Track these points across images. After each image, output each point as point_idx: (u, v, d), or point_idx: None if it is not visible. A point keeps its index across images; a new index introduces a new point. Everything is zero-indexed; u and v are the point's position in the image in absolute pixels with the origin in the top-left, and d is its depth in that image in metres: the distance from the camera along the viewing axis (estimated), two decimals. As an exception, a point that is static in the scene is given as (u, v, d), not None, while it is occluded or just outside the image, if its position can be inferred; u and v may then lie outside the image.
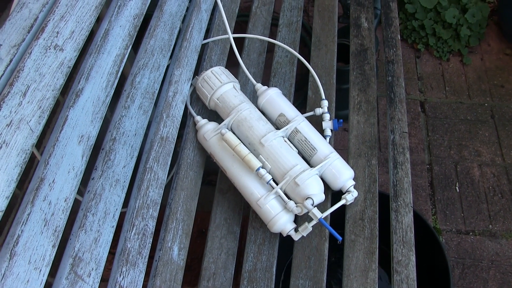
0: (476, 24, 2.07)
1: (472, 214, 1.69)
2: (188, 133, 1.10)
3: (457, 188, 1.75)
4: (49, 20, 0.78)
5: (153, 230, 0.92)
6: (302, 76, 1.72)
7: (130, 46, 0.93)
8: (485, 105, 1.97)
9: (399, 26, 1.37)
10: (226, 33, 1.23)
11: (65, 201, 0.74)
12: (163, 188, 0.97)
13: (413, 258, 0.98)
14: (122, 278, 0.83)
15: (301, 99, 1.76)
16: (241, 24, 1.61)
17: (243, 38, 1.33)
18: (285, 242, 1.04)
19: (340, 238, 0.96)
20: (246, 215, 1.07)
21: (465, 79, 2.05)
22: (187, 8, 1.19)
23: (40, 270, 0.69)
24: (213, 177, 1.58)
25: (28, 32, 0.76)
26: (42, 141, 1.22)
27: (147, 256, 0.89)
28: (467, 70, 2.08)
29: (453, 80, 2.05)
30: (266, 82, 1.22)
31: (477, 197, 1.72)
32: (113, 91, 0.87)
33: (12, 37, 0.74)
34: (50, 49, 0.76)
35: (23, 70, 0.72)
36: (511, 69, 2.09)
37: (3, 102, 0.68)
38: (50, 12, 0.79)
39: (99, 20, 0.92)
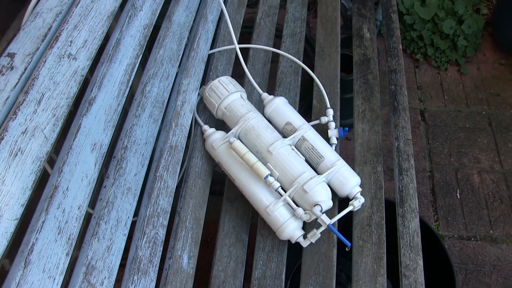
0: (472, 35, 2.10)
1: (473, 220, 1.70)
2: (195, 142, 1.11)
3: (458, 194, 1.76)
4: (63, 29, 0.79)
5: (164, 239, 0.92)
6: (305, 86, 1.73)
7: (141, 56, 0.94)
8: (483, 113, 2.00)
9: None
10: (231, 43, 1.24)
11: (78, 208, 0.75)
12: (173, 197, 0.98)
13: (421, 263, 0.99)
14: (134, 287, 0.83)
15: (304, 108, 1.77)
16: (244, 35, 1.63)
17: (248, 49, 1.35)
18: (290, 249, 1.04)
19: (349, 244, 0.97)
20: (254, 223, 1.07)
21: (462, 88, 2.08)
22: (194, 19, 1.20)
23: (54, 279, 0.69)
24: (217, 186, 1.58)
25: (42, 41, 0.76)
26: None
27: (158, 265, 0.89)
28: (464, 79, 2.11)
29: (451, 89, 2.08)
30: (271, 91, 1.23)
31: (477, 203, 1.74)
32: (124, 99, 0.88)
33: (26, 46, 0.75)
34: (64, 57, 0.77)
35: (37, 78, 0.72)
36: (506, 78, 2.12)
37: (19, 110, 0.69)
38: (64, 21, 0.80)
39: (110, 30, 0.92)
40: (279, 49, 1.33)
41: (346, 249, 0.98)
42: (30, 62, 0.74)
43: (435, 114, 1.99)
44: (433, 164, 1.84)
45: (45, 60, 0.75)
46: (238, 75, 1.24)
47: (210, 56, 1.26)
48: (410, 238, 1.01)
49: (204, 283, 1.02)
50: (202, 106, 1.18)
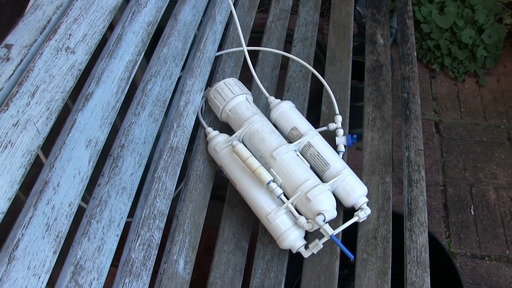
0: (492, 45, 2.05)
1: (488, 239, 1.64)
2: (198, 145, 1.08)
3: (472, 211, 1.70)
4: (62, 22, 0.77)
5: (159, 242, 0.89)
6: (316, 94, 1.70)
7: (143, 53, 0.92)
8: (502, 127, 1.94)
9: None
10: (240, 45, 1.22)
11: (69, 206, 0.72)
12: (171, 199, 0.95)
13: (428, 280, 0.94)
14: (125, 290, 0.80)
15: (314, 117, 1.73)
16: (254, 40, 1.60)
17: (257, 53, 1.32)
18: (293, 260, 1.00)
19: (352, 256, 0.93)
20: (255, 231, 1.04)
21: (480, 101, 2.02)
22: (201, 19, 1.18)
23: (39, 276, 0.67)
24: (221, 191, 1.56)
25: (41, 33, 0.75)
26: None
27: (152, 268, 0.86)
28: (482, 91, 2.05)
29: (469, 101, 2.02)
30: (279, 96, 1.20)
31: (493, 221, 1.67)
32: (123, 97, 0.86)
33: (24, 37, 0.73)
34: (61, 50, 0.75)
35: (33, 70, 0.71)
36: (527, 91, 2.06)
37: (11, 102, 0.67)
38: (64, 14, 0.78)
39: (112, 26, 0.91)
40: (289, 53, 1.30)
41: (350, 261, 0.94)
42: (27, 54, 0.73)
43: (451, 126, 1.94)
44: (446, 178, 1.78)
45: (42, 52, 0.73)
46: (246, 79, 1.22)
47: (217, 58, 1.24)
48: (418, 254, 0.97)
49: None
50: (207, 108, 1.15)
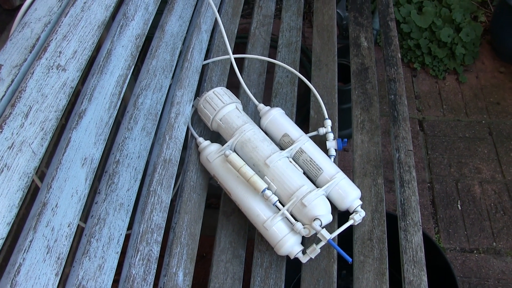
0: (470, 43, 2.09)
1: (475, 232, 1.67)
2: (190, 155, 1.08)
3: (459, 206, 1.73)
4: (52, 39, 0.76)
5: (158, 256, 0.89)
6: (300, 96, 1.71)
7: (133, 67, 0.92)
8: (483, 122, 1.97)
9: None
10: (226, 53, 1.22)
11: (68, 226, 0.71)
12: (167, 212, 0.94)
13: (425, 278, 0.96)
14: (127, 307, 0.79)
15: (301, 119, 1.74)
16: (238, 45, 1.60)
17: (242, 60, 1.32)
18: (288, 263, 1.01)
19: (350, 259, 0.94)
20: (251, 238, 1.04)
21: (461, 97, 2.06)
22: (188, 29, 1.17)
23: (42, 300, 0.66)
24: (212, 200, 1.55)
25: (30, 52, 0.74)
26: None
27: (152, 283, 0.85)
28: (463, 88, 2.09)
29: (450, 98, 2.06)
30: (267, 102, 1.20)
31: (479, 215, 1.71)
32: (116, 112, 0.85)
33: (13, 57, 0.72)
34: (52, 69, 0.74)
35: (25, 90, 0.69)
36: (506, 86, 2.10)
37: (5, 124, 0.66)
38: (53, 31, 0.77)
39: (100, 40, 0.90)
40: (274, 59, 1.31)
41: (348, 263, 0.95)
42: (17, 73, 0.72)
43: (434, 124, 1.97)
44: (432, 175, 1.81)
45: (33, 72, 0.72)
46: (233, 86, 1.22)
47: (204, 67, 1.23)
48: (414, 253, 0.98)
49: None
50: (197, 118, 1.15)
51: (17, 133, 0.67)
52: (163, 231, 0.91)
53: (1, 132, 0.65)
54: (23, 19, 0.78)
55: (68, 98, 0.76)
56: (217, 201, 1.09)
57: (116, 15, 0.94)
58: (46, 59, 0.74)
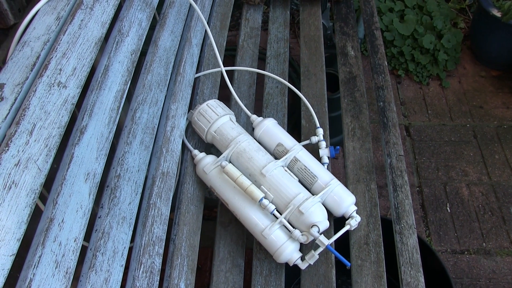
0: (451, 49, 2.15)
1: (465, 234, 1.70)
2: (186, 168, 1.09)
3: (448, 208, 1.77)
4: (52, 57, 0.77)
5: (160, 268, 0.90)
6: (290, 106, 1.74)
7: (129, 82, 0.93)
8: (467, 126, 2.03)
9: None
10: (216, 66, 1.24)
11: (74, 241, 0.72)
12: (167, 224, 0.95)
13: (422, 279, 0.98)
14: (132, 319, 0.80)
15: (290, 127, 1.77)
16: (226, 58, 1.63)
17: (232, 72, 1.34)
18: (287, 269, 1.02)
19: (348, 264, 0.96)
20: (249, 247, 1.05)
21: (445, 102, 2.11)
22: (179, 43, 1.19)
23: (52, 316, 0.67)
24: (205, 212, 1.56)
25: (31, 70, 0.75)
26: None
27: (155, 295, 0.86)
28: (447, 93, 2.15)
29: (435, 104, 2.11)
30: (258, 113, 1.22)
31: (468, 216, 1.74)
32: (115, 127, 0.86)
33: (15, 75, 0.73)
34: (54, 86, 0.75)
35: (28, 108, 0.71)
36: (487, 90, 2.16)
37: (11, 142, 0.67)
38: (52, 49, 0.79)
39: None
40: (263, 70, 1.33)
41: (347, 268, 0.97)
42: (20, 92, 0.73)
43: (420, 129, 2.01)
44: (421, 179, 1.85)
45: (35, 90, 0.73)
46: (224, 98, 1.24)
47: (195, 80, 1.25)
48: (410, 255, 1.01)
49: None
50: (191, 131, 1.16)
51: (22, 150, 0.68)
52: (164, 243, 0.93)
53: (8, 149, 0.66)
54: (23, 38, 0.79)
55: (70, 114, 0.77)
56: (209, 212, 1.11)
57: (112, 31, 0.96)
58: (47, 76, 0.75)
